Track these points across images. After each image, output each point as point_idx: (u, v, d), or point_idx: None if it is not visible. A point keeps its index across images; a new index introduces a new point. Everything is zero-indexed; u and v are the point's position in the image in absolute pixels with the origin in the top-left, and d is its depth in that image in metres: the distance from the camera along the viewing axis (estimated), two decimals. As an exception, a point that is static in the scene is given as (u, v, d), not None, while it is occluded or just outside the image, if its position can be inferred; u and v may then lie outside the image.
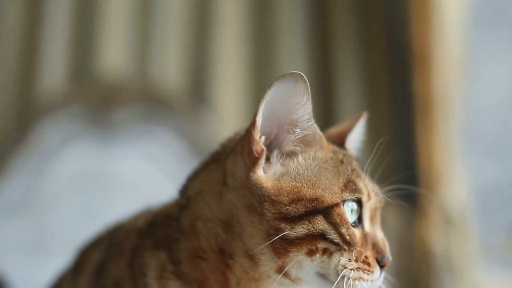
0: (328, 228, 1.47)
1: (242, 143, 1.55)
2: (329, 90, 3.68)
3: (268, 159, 1.53)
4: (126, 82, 3.64)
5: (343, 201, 1.50)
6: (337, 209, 1.48)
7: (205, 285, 1.57)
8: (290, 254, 1.48)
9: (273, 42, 3.74)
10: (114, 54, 3.70)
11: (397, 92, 3.66)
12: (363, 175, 1.55)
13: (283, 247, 1.48)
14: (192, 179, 1.66)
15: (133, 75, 3.72)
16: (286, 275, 1.50)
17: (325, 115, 3.62)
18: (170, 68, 3.71)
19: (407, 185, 1.69)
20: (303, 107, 1.51)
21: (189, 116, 3.55)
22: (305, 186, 1.49)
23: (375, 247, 1.52)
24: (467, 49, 3.56)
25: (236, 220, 1.53)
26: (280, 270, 1.50)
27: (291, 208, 1.48)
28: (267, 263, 1.51)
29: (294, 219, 1.47)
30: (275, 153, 1.53)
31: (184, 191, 1.66)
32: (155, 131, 3.48)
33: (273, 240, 1.47)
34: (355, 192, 1.51)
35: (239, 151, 1.55)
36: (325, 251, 1.48)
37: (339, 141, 1.71)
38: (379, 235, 1.55)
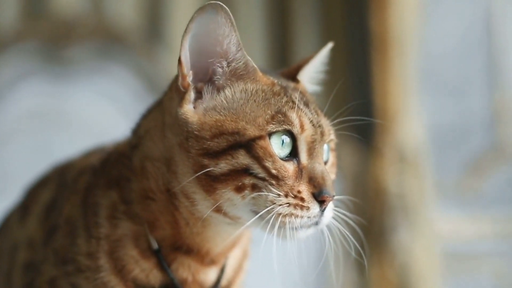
0: (251, 162, 1.42)
1: (175, 80, 1.53)
2: (285, 28, 3.67)
3: (201, 94, 1.50)
4: (81, 18, 3.58)
5: (270, 134, 1.44)
6: (260, 142, 1.43)
7: (156, 226, 1.56)
8: (218, 192, 1.44)
9: (230, -21, 3.70)
10: (69, -11, 3.64)
11: (353, 30, 3.65)
12: (301, 106, 1.49)
13: (209, 184, 1.45)
14: (144, 117, 1.64)
15: (88, 11, 3.66)
16: (224, 213, 1.47)
17: (281, 52, 3.61)
18: (125, 4, 3.65)
19: (358, 116, 1.64)
20: (227, 38, 1.47)
21: (144, 53, 3.51)
22: (228, 119, 1.46)
23: (312, 181, 1.45)
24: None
25: (173, 158, 1.50)
26: (216, 209, 1.46)
27: (213, 143, 1.44)
28: (202, 202, 1.48)
29: (216, 155, 1.43)
30: (206, 88, 1.50)
31: (136, 129, 1.64)
32: (110, 68, 3.44)
33: (198, 176, 1.45)
34: (283, 124, 1.44)
35: (174, 88, 1.53)
36: (254, 187, 1.43)
37: (296, 74, 1.67)
38: (318, 168, 1.47)
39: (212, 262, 1.61)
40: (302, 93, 1.56)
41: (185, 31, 1.45)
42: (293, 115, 1.46)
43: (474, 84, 3.74)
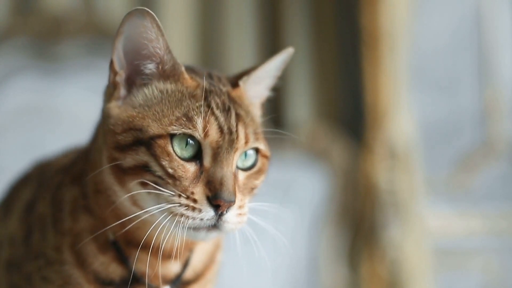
0: (150, 160, 1.46)
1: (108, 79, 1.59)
2: (276, 24, 3.67)
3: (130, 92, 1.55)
4: (71, 14, 3.58)
5: (171, 134, 1.47)
6: (159, 141, 1.46)
7: (106, 221, 1.58)
8: (127, 184, 1.49)
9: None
10: (58, -15, 3.63)
11: (344, 26, 3.65)
12: (216, 111, 1.51)
13: (120, 176, 1.49)
14: None
15: (78, 7, 3.66)
16: (140, 207, 1.50)
17: (271, 49, 3.60)
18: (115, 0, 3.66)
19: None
20: (153, 42, 1.51)
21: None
22: (139, 116, 1.50)
23: (209, 184, 1.47)
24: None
25: (101, 150, 1.55)
26: (132, 202, 1.50)
27: (121, 137, 1.48)
28: (120, 193, 1.52)
29: (124, 149, 1.48)
30: (134, 86, 1.55)
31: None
32: (100, 64, 3.43)
33: (113, 169, 1.50)
34: (184, 127, 1.47)
35: (107, 86, 1.58)
36: (155, 184, 1.46)
37: (240, 78, 1.67)
38: (219, 173, 1.48)
39: (171, 256, 1.59)
40: (232, 99, 1.58)
41: (116, 34, 1.51)
42: (198, 120, 1.49)
43: (464, 81, 3.75)
